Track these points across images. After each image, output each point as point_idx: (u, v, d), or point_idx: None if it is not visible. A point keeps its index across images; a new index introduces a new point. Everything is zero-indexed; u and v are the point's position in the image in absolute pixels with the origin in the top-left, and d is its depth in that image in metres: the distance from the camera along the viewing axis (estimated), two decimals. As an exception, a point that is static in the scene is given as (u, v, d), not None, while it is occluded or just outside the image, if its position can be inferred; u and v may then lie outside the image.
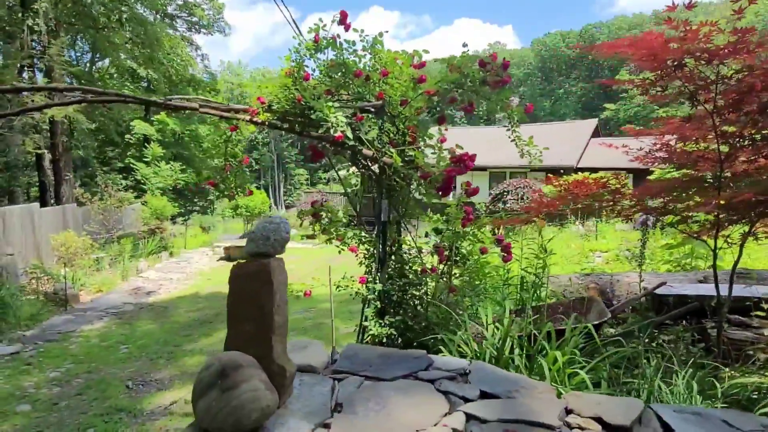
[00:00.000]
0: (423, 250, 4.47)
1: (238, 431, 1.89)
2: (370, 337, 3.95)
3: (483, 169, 21.07)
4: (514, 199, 17.19)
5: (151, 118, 22.04)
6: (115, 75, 22.06)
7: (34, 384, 5.21)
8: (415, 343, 3.90)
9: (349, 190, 4.64)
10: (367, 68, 4.16)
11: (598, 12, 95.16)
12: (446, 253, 4.30)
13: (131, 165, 20.34)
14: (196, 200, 24.20)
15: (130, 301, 9.25)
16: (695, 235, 4.17)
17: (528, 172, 20.74)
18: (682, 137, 3.91)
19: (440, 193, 3.95)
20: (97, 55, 21.63)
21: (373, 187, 4.21)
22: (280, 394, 2.14)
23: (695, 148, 3.88)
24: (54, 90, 4.97)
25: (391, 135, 3.95)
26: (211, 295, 9.66)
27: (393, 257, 4.24)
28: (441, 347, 3.62)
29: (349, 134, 3.64)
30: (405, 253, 4.38)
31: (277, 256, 2.29)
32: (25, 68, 16.20)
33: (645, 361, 3.34)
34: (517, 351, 3.42)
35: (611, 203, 4.10)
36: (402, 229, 4.50)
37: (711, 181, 3.78)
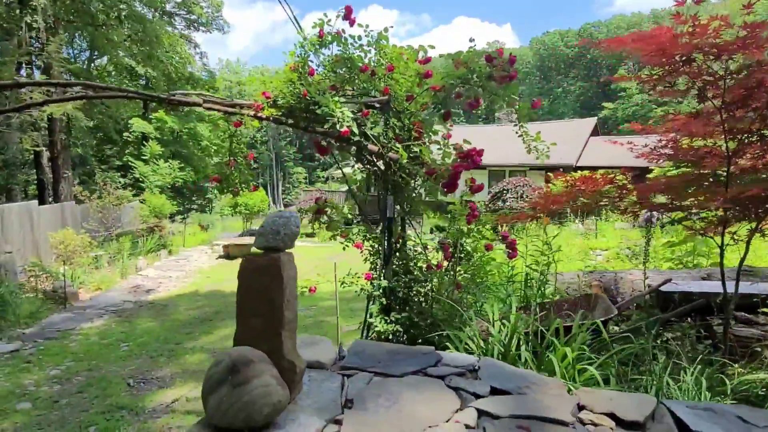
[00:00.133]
0: (428, 247, 4.45)
1: (249, 427, 1.86)
2: (374, 333, 3.93)
3: (482, 167, 21.02)
4: (513, 198, 17.20)
5: (150, 116, 21.98)
6: (113, 73, 21.99)
7: (34, 382, 5.17)
8: (419, 340, 3.88)
9: (353, 186, 4.61)
10: (372, 63, 4.13)
11: (596, 11, 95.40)
12: (450, 249, 4.28)
13: (129, 163, 20.25)
14: (194, 198, 24.14)
15: (129, 299, 9.20)
16: (701, 232, 4.15)
17: (527, 170, 20.75)
18: (689, 133, 3.88)
19: (446, 189, 3.93)
20: (95, 53, 21.52)
21: (378, 184, 4.18)
22: (290, 390, 2.11)
23: (703, 144, 3.86)
24: (56, 85, 4.93)
25: (397, 130, 3.92)
26: (211, 293, 9.62)
27: (398, 254, 4.21)
28: (447, 344, 3.60)
29: (355, 129, 3.61)
30: (410, 249, 4.36)
31: (286, 250, 2.26)
32: (23, 65, 16.11)
33: (653, 357, 3.32)
34: (523, 347, 3.40)
35: (617, 199, 4.08)
36: (406, 226, 4.47)
37: (720, 176, 3.76)
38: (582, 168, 17.14)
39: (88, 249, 10.78)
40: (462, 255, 4.39)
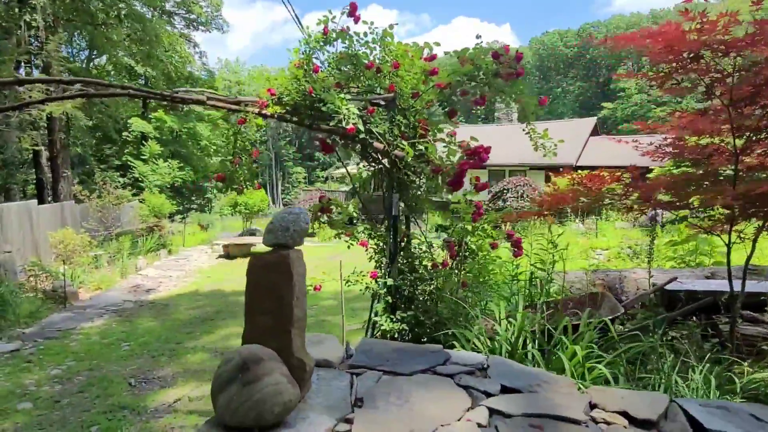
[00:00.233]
0: (433, 245, 4.42)
1: (259, 426, 1.84)
2: (379, 332, 3.90)
3: (482, 167, 21.01)
4: (513, 197, 17.19)
5: (149, 116, 21.92)
6: (112, 72, 21.92)
7: (35, 381, 5.13)
8: (424, 339, 3.85)
9: (356, 184, 4.59)
10: (377, 61, 4.10)
11: (595, 11, 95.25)
12: (456, 248, 4.25)
13: (129, 163, 20.18)
14: (193, 198, 24.07)
15: (129, 298, 9.16)
16: (707, 231, 4.13)
17: (527, 170, 20.74)
18: (695, 131, 3.87)
19: (451, 187, 3.90)
20: (95, 52, 21.43)
21: (382, 182, 4.15)
22: (300, 389, 2.08)
23: (710, 142, 3.84)
24: (58, 82, 4.88)
25: (402, 128, 3.90)
26: (211, 293, 9.59)
27: (402, 252, 4.18)
28: (454, 342, 3.58)
29: (361, 127, 3.58)
30: (414, 248, 4.33)
31: (295, 247, 2.23)
32: (23, 64, 16.04)
33: (662, 356, 3.30)
34: (530, 346, 3.38)
35: (624, 197, 4.06)
36: (411, 224, 4.45)
37: (721, 174, 3.74)
38: (582, 168, 17.11)
39: (87, 248, 10.73)
40: (467, 254, 4.37)
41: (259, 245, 14.45)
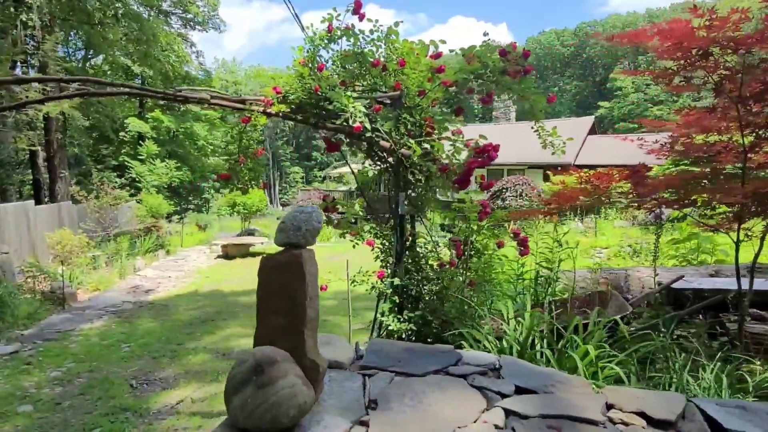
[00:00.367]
0: (439, 245, 4.39)
1: (275, 429, 1.79)
2: (386, 332, 3.87)
3: (481, 166, 21.02)
4: (512, 196, 17.18)
5: (146, 116, 21.80)
6: (108, 72, 21.78)
7: (35, 384, 5.07)
8: (430, 339, 3.82)
9: (360, 182, 4.54)
10: (383, 58, 4.06)
11: (591, 11, 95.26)
12: (462, 247, 4.22)
13: (126, 163, 20.06)
14: (191, 198, 23.95)
15: (128, 299, 9.08)
16: (714, 228, 4.12)
17: (526, 169, 20.75)
18: (703, 129, 3.85)
19: (458, 185, 3.87)
20: (91, 52, 21.32)
21: (389, 181, 4.11)
22: (314, 391, 2.04)
23: (718, 140, 3.82)
24: (58, 81, 4.81)
25: (409, 126, 3.86)
26: (211, 293, 9.53)
27: (409, 252, 4.15)
28: (462, 342, 3.55)
29: (367, 125, 3.54)
30: (420, 247, 4.30)
31: (308, 247, 2.19)
32: (19, 64, 15.91)
33: (672, 354, 3.28)
34: (539, 345, 3.35)
35: (631, 195, 4.03)
36: (417, 223, 4.41)
37: (738, 171, 3.72)
38: (580, 166, 17.11)
39: (85, 249, 10.64)
40: (472, 253, 4.34)
41: (258, 245, 14.40)
